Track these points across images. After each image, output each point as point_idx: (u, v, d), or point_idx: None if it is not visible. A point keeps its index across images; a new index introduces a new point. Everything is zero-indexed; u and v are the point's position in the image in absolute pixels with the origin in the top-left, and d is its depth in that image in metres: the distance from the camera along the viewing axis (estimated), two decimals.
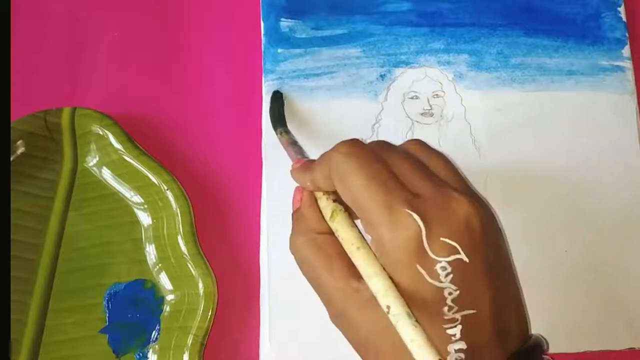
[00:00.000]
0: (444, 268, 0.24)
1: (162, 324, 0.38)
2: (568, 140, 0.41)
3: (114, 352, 0.38)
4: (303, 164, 0.31)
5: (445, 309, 0.24)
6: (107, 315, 0.39)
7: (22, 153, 0.40)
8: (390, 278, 0.25)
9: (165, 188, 0.39)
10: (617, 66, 0.42)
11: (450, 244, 0.25)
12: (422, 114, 0.41)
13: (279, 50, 0.42)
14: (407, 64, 0.42)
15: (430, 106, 0.41)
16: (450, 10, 0.43)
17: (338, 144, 0.28)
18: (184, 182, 0.40)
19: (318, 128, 0.41)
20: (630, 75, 0.42)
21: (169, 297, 0.39)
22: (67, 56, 0.44)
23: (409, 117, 0.41)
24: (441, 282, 0.24)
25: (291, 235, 0.30)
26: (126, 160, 0.40)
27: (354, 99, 0.41)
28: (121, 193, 0.41)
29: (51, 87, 0.44)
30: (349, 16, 0.43)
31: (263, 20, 0.43)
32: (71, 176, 0.41)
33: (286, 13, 0.43)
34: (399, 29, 0.43)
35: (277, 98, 0.41)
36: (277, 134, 0.38)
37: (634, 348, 0.38)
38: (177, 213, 0.39)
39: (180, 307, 0.38)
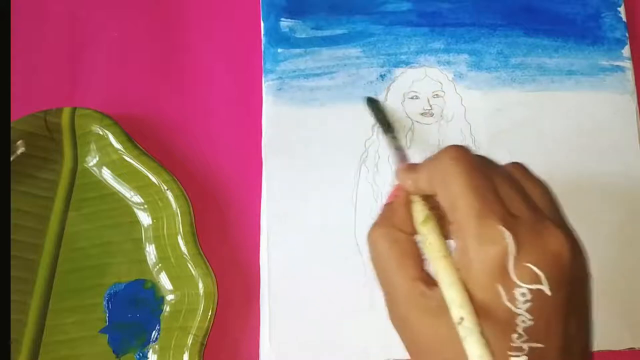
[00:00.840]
0: (523, 294, 0.24)
1: (162, 324, 0.38)
2: (568, 140, 0.41)
3: (114, 352, 0.38)
4: (410, 165, 0.31)
5: (515, 336, 0.24)
6: (107, 315, 0.39)
7: (22, 153, 0.40)
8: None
9: (165, 188, 0.39)
10: (617, 66, 0.42)
11: (535, 272, 0.24)
12: (422, 114, 0.41)
13: (279, 50, 0.42)
14: (407, 64, 0.42)
15: (430, 106, 0.41)
16: (450, 10, 0.43)
17: (447, 147, 0.27)
18: (184, 182, 0.40)
19: (318, 128, 0.41)
20: (630, 75, 0.42)
21: (169, 297, 0.39)
22: (67, 56, 0.44)
23: (409, 117, 0.41)
24: (518, 307, 0.24)
25: (373, 225, 0.29)
26: (126, 160, 0.40)
27: (354, 99, 0.41)
28: (121, 193, 0.41)
29: (51, 87, 0.44)
30: (349, 16, 0.43)
31: (263, 20, 0.43)
32: (71, 176, 0.41)
33: (286, 13, 0.43)
34: (399, 29, 0.43)
35: (376, 103, 0.41)
36: (387, 138, 0.39)
37: (634, 348, 0.38)
38: (177, 213, 0.39)
39: (180, 307, 0.38)
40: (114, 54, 0.44)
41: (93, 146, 0.41)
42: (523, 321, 0.24)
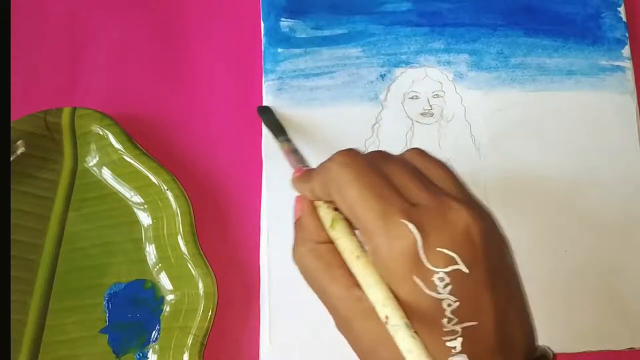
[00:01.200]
0: (441, 279, 0.24)
1: (162, 324, 0.38)
2: (568, 140, 0.41)
3: (114, 352, 0.38)
4: (303, 173, 0.31)
5: (445, 320, 0.24)
6: (107, 315, 0.39)
7: (22, 153, 0.40)
8: (389, 289, 0.25)
9: (165, 188, 0.39)
10: (617, 66, 0.42)
11: (448, 254, 0.24)
12: (422, 114, 0.41)
13: (279, 50, 0.42)
14: (407, 63, 0.42)
15: (431, 106, 0.41)
16: (450, 10, 0.43)
17: (335, 154, 0.28)
18: (184, 182, 0.40)
19: (318, 128, 0.41)
20: (630, 75, 0.42)
21: (169, 297, 0.39)
22: (67, 56, 0.44)
23: (409, 117, 0.41)
24: (439, 293, 0.24)
25: (293, 245, 0.29)
26: (126, 160, 0.40)
27: (354, 99, 0.41)
28: (121, 193, 0.41)
29: (51, 87, 0.44)
30: (349, 16, 0.43)
31: (263, 20, 0.43)
32: (71, 176, 0.41)
33: (286, 13, 0.43)
34: (399, 29, 0.43)
35: (265, 111, 0.40)
36: (278, 142, 0.38)
37: (634, 348, 0.38)
38: (177, 213, 0.39)
39: (180, 307, 0.38)
40: (114, 54, 0.44)
41: (93, 146, 0.41)
42: (449, 304, 0.24)
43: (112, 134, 0.40)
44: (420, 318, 0.24)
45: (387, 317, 0.24)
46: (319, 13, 0.43)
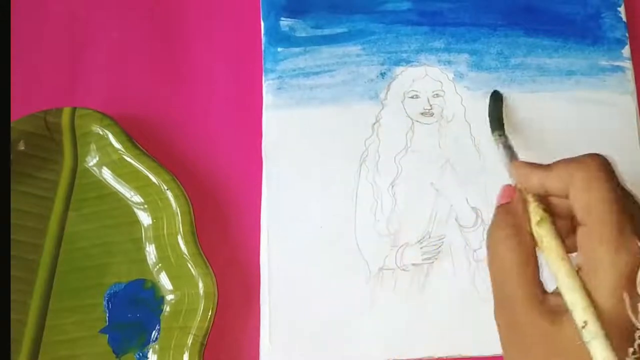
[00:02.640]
0: None
1: (162, 323, 0.38)
2: (568, 141, 0.41)
3: (114, 352, 0.38)
4: (530, 163, 0.31)
5: (630, 350, 0.24)
6: (107, 315, 0.39)
7: (22, 153, 0.40)
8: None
9: (165, 188, 0.39)
10: (617, 66, 0.42)
11: None
12: (422, 113, 0.41)
13: (279, 49, 0.42)
14: (407, 62, 0.42)
15: (431, 106, 0.41)
16: (450, 10, 0.43)
17: (592, 154, 0.28)
18: (184, 182, 0.40)
19: (318, 126, 0.41)
20: (630, 75, 0.42)
21: (169, 297, 0.39)
22: (67, 56, 0.44)
23: (409, 117, 0.41)
24: (638, 321, 0.24)
25: (491, 227, 0.29)
26: (126, 160, 0.40)
27: (354, 97, 0.41)
28: (121, 193, 0.41)
29: (51, 87, 0.44)
30: (348, 15, 0.43)
31: (263, 20, 0.43)
32: (71, 176, 0.41)
33: (286, 12, 0.43)
34: (400, 28, 0.43)
35: (497, 99, 0.41)
36: (494, 136, 0.38)
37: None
38: (177, 213, 0.39)
39: (180, 307, 0.38)
40: (114, 54, 0.44)
41: (93, 146, 0.41)
42: None
43: (112, 134, 0.40)
44: (610, 334, 0.24)
45: (585, 323, 0.24)
46: (319, 12, 0.43)
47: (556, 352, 0.25)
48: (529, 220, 0.28)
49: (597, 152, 0.28)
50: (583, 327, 0.24)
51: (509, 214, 0.29)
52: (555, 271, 0.26)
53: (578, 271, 0.26)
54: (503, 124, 0.39)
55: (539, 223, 0.28)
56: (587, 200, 0.26)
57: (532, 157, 0.40)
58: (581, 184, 0.27)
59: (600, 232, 0.25)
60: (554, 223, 0.28)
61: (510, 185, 0.31)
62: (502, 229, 0.29)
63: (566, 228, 0.28)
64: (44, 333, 0.38)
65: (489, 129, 0.39)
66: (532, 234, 0.28)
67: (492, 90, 0.41)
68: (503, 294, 0.28)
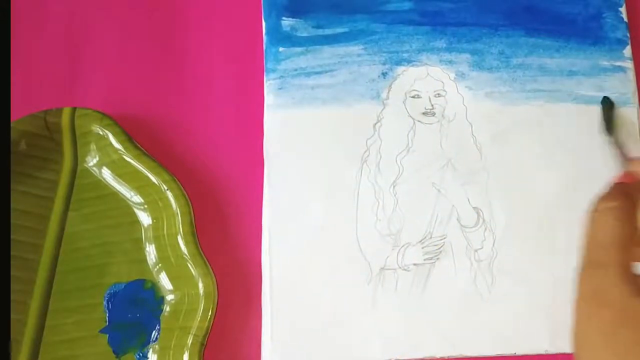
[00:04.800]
0: None
1: (162, 323, 0.38)
2: (569, 140, 0.41)
3: (114, 352, 0.38)
4: None
5: None
6: (107, 315, 0.39)
7: (22, 153, 0.40)
8: None
9: (165, 188, 0.39)
10: (619, 66, 0.42)
11: None
12: (423, 113, 0.41)
13: (281, 49, 0.42)
14: (409, 62, 0.42)
15: (432, 105, 0.41)
16: (451, 10, 0.43)
17: None
18: (184, 182, 0.40)
19: (319, 126, 0.41)
20: (631, 75, 0.42)
21: (169, 297, 0.38)
22: (67, 56, 0.44)
23: (410, 117, 0.41)
24: None
25: (604, 195, 0.30)
26: (126, 160, 0.40)
27: (355, 97, 0.41)
28: (121, 193, 0.40)
29: (51, 87, 0.44)
30: (350, 15, 0.43)
31: (264, 19, 0.43)
32: (71, 176, 0.41)
33: (287, 12, 0.43)
34: (401, 27, 0.43)
35: (611, 106, 0.41)
36: (610, 138, 0.39)
37: None
38: (177, 213, 0.39)
39: (180, 307, 0.38)
40: (114, 54, 0.44)
41: (93, 146, 0.41)
42: None
43: (112, 134, 0.40)
44: None
45: None
46: (320, 12, 0.43)
47: (633, 326, 0.25)
48: (638, 208, 0.29)
49: None
50: None
51: (624, 191, 0.30)
52: None
53: None
54: (612, 130, 0.40)
55: None
56: None
57: (533, 157, 0.41)
58: None
59: None
60: None
61: (630, 172, 0.32)
62: (615, 199, 0.29)
63: None
64: (44, 333, 0.38)
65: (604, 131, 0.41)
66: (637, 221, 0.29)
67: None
68: (597, 259, 0.28)
